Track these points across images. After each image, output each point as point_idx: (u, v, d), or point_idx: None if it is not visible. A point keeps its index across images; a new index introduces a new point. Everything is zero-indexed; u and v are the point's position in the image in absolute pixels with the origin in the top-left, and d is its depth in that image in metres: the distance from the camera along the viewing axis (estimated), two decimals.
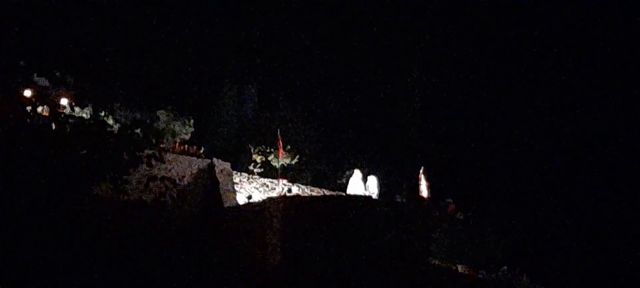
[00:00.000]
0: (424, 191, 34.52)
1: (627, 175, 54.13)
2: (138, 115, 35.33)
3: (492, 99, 58.03)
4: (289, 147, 39.12)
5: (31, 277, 17.57)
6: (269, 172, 37.91)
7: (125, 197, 23.57)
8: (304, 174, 40.77)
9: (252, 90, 48.47)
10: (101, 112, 32.35)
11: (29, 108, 19.27)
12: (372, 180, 32.72)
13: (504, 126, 56.98)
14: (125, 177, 20.44)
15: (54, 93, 34.36)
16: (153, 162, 21.01)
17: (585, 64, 59.47)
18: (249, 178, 36.50)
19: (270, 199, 27.78)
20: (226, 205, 31.58)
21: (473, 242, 38.23)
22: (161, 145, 30.97)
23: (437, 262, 32.55)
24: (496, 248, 39.06)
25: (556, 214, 51.49)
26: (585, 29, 60.12)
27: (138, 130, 20.98)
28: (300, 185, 37.31)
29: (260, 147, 38.64)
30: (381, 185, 33.53)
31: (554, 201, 52.69)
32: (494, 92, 58.29)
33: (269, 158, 38.22)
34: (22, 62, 27.19)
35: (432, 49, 58.85)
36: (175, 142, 36.12)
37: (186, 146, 35.79)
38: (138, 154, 20.38)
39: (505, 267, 35.31)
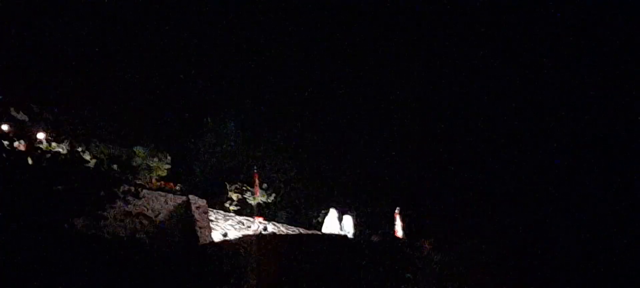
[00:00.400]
0: (398, 231, 34.72)
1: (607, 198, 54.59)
2: (115, 151, 35.27)
3: (466, 137, 58.42)
4: (265, 185, 39.18)
5: None
6: (245, 209, 37.89)
7: (101, 233, 23.57)
8: (281, 213, 40.78)
9: (230, 126, 48.46)
10: (78, 147, 32.28)
11: (5, 143, 19.29)
12: (348, 219, 32.88)
13: (478, 164, 57.29)
14: (101, 212, 20.46)
15: (31, 127, 34.27)
16: (129, 198, 21.08)
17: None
18: (225, 216, 36.44)
19: (246, 237, 27.83)
20: (202, 242, 31.53)
21: (449, 283, 38.31)
22: (137, 181, 30.94)
23: None
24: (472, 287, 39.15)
25: (534, 249, 51.68)
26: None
27: (115, 166, 21.03)
28: (276, 223, 37.32)
29: (236, 185, 38.66)
30: (356, 225, 33.67)
31: (531, 236, 52.91)
32: (466, 128, 58.71)
33: (245, 196, 38.23)
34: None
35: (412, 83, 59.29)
36: (151, 178, 36.06)
37: (163, 182, 35.73)
38: (114, 190, 20.42)
39: None
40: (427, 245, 39.01)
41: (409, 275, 33.86)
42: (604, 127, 56.31)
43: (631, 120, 55.64)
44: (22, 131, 29.72)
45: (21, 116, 32.08)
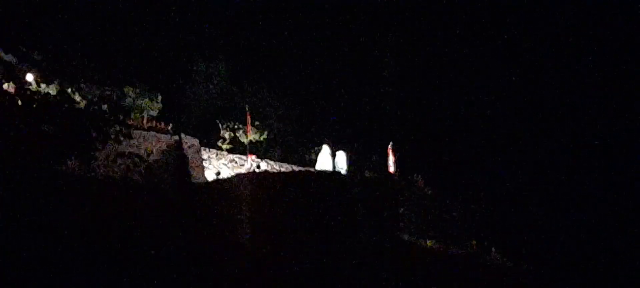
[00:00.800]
0: (391, 166, 34.73)
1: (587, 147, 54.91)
2: (105, 92, 35.06)
3: (463, 77, 58.36)
4: (257, 123, 39.07)
5: None
6: (237, 148, 37.84)
7: (93, 174, 23.46)
8: (273, 150, 40.74)
9: (221, 65, 48.15)
10: (68, 89, 32.03)
11: None
12: (341, 155, 32.87)
13: (473, 104, 57.35)
14: (93, 153, 20.32)
15: (20, 69, 33.98)
16: (121, 139, 20.92)
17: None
18: (217, 155, 36.43)
19: (238, 175, 27.80)
20: (195, 181, 31.53)
21: (442, 217, 38.49)
22: (129, 122, 30.77)
23: (407, 237, 32.71)
24: (464, 222, 39.38)
25: (522, 189, 51.98)
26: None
27: (105, 107, 20.85)
28: (268, 161, 37.33)
29: (228, 123, 38.54)
30: (350, 160, 33.67)
31: (520, 176, 53.20)
32: (464, 70, 58.62)
33: (238, 134, 38.14)
34: None
35: (404, 28, 59.03)
36: (143, 119, 35.87)
37: (154, 122, 35.56)
38: (106, 130, 20.27)
39: (474, 241, 35.63)
40: (419, 180, 39.12)
41: (402, 209, 34.00)
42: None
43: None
44: (11, 73, 29.47)
45: (9, 58, 31.77)
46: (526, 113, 57.84)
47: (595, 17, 60.40)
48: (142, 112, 36.78)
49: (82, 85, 35.45)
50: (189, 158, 33.01)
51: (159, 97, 38.39)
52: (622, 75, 57.46)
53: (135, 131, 29.15)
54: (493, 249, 35.20)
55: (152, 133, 33.09)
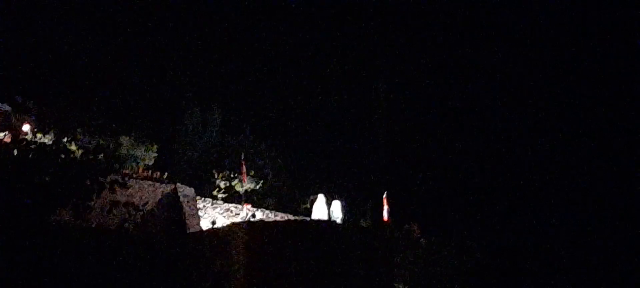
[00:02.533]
0: (386, 215, 34.72)
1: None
2: (101, 141, 35.13)
3: (454, 125, 58.60)
4: (252, 172, 39.11)
5: None
6: (233, 197, 37.83)
7: (88, 224, 23.45)
8: (268, 199, 40.71)
9: (216, 114, 48.28)
10: (64, 138, 32.12)
11: None
12: (336, 204, 32.81)
13: (465, 151, 57.49)
14: (88, 203, 20.35)
15: (15, 119, 34.08)
16: (116, 188, 20.97)
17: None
18: (213, 204, 36.39)
19: (234, 224, 27.75)
20: (190, 230, 31.46)
21: (435, 266, 38.42)
22: (124, 171, 30.81)
23: (401, 287, 32.67)
24: (458, 271, 39.28)
25: (517, 232, 51.96)
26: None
27: (101, 156, 20.93)
28: (264, 210, 37.28)
29: (224, 173, 38.58)
30: (345, 210, 33.63)
31: (513, 220, 53.20)
32: (456, 118, 58.86)
33: (233, 183, 38.17)
34: None
35: (396, 71, 59.37)
36: (138, 168, 35.92)
37: (150, 172, 35.59)
38: (101, 180, 20.32)
39: None
40: (415, 229, 39.11)
41: (397, 258, 33.95)
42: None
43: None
44: (7, 123, 29.55)
45: (5, 107, 31.86)
46: (519, 154, 57.99)
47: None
48: (137, 161, 36.85)
49: (78, 135, 35.53)
50: (185, 207, 32.95)
51: (155, 147, 38.50)
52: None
53: (130, 180, 29.17)
54: None
55: (148, 182, 33.09)
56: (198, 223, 32.91)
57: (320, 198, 32.50)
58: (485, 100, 60.15)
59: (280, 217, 37.02)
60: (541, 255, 50.05)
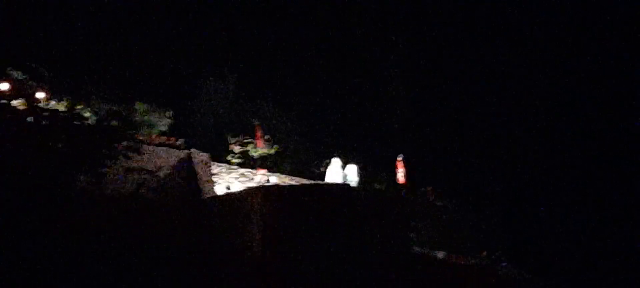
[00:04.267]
0: (401, 178, 34.69)
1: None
2: (115, 108, 35.11)
3: (471, 88, 58.23)
4: (267, 137, 39.05)
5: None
6: (247, 162, 37.82)
7: (103, 190, 23.47)
8: (283, 164, 40.66)
9: (231, 80, 48.19)
10: (78, 105, 32.10)
11: (4, 101, 19.22)
12: (351, 168, 32.81)
13: (483, 114, 57.21)
14: (102, 169, 20.39)
15: (30, 86, 34.06)
16: (130, 154, 21.00)
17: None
18: (227, 169, 36.40)
19: (249, 189, 27.76)
20: (205, 196, 31.50)
21: (452, 229, 38.40)
22: (139, 137, 30.79)
23: (417, 249, 32.61)
24: (476, 234, 39.27)
25: (535, 200, 51.84)
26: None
27: (115, 122, 20.95)
28: (279, 175, 37.28)
29: (238, 138, 38.53)
30: (360, 173, 33.61)
31: (532, 187, 53.05)
32: (473, 81, 58.50)
33: (248, 148, 38.12)
34: None
35: (412, 37, 58.98)
36: (153, 134, 35.92)
37: (164, 137, 35.58)
38: (115, 146, 20.35)
39: (484, 252, 35.52)
40: (429, 192, 39.07)
41: (412, 221, 33.93)
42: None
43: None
44: (21, 90, 29.55)
45: (18, 74, 31.86)
46: (541, 119, 57.64)
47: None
48: (152, 127, 36.87)
49: (92, 101, 35.54)
50: (199, 172, 32.96)
51: (169, 112, 38.50)
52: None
53: (145, 146, 29.12)
54: (505, 261, 35.12)
55: (162, 148, 33.06)
56: (213, 189, 32.93)
57: (335, 162, 32.50)
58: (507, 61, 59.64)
59: (295, 181, 37.02)
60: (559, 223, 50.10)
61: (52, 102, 32.21)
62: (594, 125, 56.55)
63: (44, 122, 19.53)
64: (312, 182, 36.75)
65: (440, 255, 33.08)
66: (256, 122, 37.29)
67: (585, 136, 56.04)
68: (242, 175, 36.47)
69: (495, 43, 60.14)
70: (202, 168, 33.35)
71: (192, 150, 34.14)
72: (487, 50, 59.70)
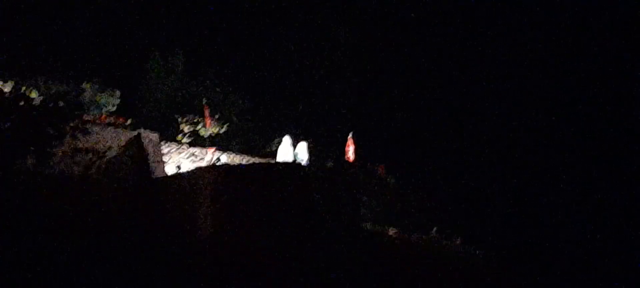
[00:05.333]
0: (351, 156, 34.85)
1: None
2: (62, 88, 34.65)
3: (423, 64, 58.54)
4: (217, 115, 38.90)
5: None
6: (197, 141, 37.67)
7: (51, 171, 23.22)
8: (233, 143, 40.59)
9: (179, 58, 47.78)
10: (24, 86, 31.62)
11: None
12: (302, 146, 32.88)
13: (434, 91, 57.57)
14: (49, 150, 20.15)
15: None
16: (78, 135, 20.78)
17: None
18: (177, 149, 36.24)
19: (199, 169, 27.71)
20: (155, 176, 31.34)
21: (404, 206, 38.71)
22: (86, 118, 30.44)
23: (368, 226, 32.84)
24: (427, 211, 39.63)
25: (484, 176, 52.42)
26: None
27: (61, 103, 20.69)
28: (229, 153, 37.22)
29: (188, 117, 38.33)
30: (311, 151, 33.68)
31: (483, 163, 53.62)
32: (425, 58, 58.80)
33: (197, 128, 37.96)
34: None
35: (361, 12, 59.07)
36: (101, 114, 35.56)
37: (113, 118, 35.25)
38: (62, 127, 20.12)
39: (435, 228, 35.89)
40: (380, 170, 39.30)
41: (364, 198, 34.16)
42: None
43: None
44: None
45: None
46: (490, 97, 58.19)
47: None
48: (100, 108, 36.49)
49: (38, 82, 35.02)
50: (149, 152, 32.74)
51: (117, 93, 38.13)
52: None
53: (93, 127, 28.82)
54: (457, 238, 35.53)
55: (111, 128, 32.73)
56: (163, 169, 32.77)
57: (286, 140, 32.55)
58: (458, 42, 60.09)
59: (245, 160, 37.00)
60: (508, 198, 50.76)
61: None
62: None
63: None
64: (262, 160, 36.77)
65: (392, 232, 33.37)
66: (204, 102, 37.08)
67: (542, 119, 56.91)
68: (193, 154, 36.35)
69: (446, 19, 60.60)
70: (151, 148, 33.12)
71: (141, 130, 33.87)
72: (438, 28, 60.13)
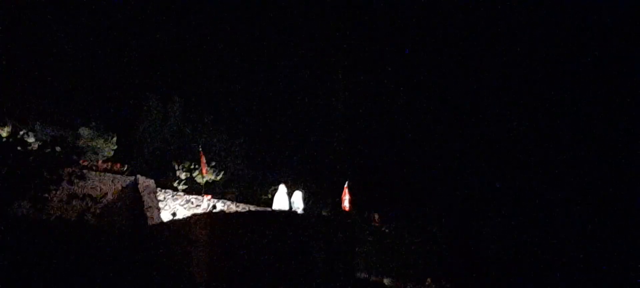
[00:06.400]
0: (347, 205, 34.86)
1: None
2: (59, 133, 34.73)
3: (416, 113, 58.79)
4: (213, 163, 38.99)
5: None
6: (193, 188, 37.69)
7: (47, 217, 23.18)
8: (229, 190, 40.59)
9: (176, 106, 47.91)
10: (21, 130, 31.69)
11: None
12: (298, 195, 32.88)
13: (429, 141, 57.77)
14: (46, 195, 20.13)
15: None
16: (75, 180, 20.77)
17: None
18: (173, 195, 36.23)
19: (194, 216, 27.68)
20: (150, 222, 31.30)
21: (399, 255, 38.64)
22: (83, 163, 30.51)
23: (363, 275, 32.79)
24: (422, 260, 39.55)
25: (477, 222, 52.35)
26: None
27: (58, 148, 20.71)
28: (225, 201, 37.21)
29: (184, 164, 38.39)
30: (306, 200, 33.69)
31: (476, 214, 53.57)
32: (417, 107, 59.07)
33: (194, 174, 38.02)
34: None
35: (356, 58, 59.47)
36: (98, 160, 35.63)
37: (109, 163, 35.31)
38: (59, 172, 20.12)
39: (429, 279, 35.81)
40: (376, 218, 39.30)
41: (358, 247, 34.10)
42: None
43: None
44: None
45: None
46: (480, 143, 58.36)
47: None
48: (96, 153, 36.54)
49: (36, 127, 35.09)
50: (145, 199, 32.77)
51: (114, 138, 38.20)
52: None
53: (90, 172, 28.92)
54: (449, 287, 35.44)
55: (108, 174, 32.85)
56: (159, 215, 32.77)
57: (282, 189, 32.54)
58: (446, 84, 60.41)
59: (241, 207, 36.99)
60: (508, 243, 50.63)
61: None
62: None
63: None
64: (258, 208, 36.76)
65: (387, 281, 33.29)
66: (200, 149, 37.17)
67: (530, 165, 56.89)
68: (188, 201, 36.33)
69: (440, 71, 60.95)
70: (147, 194, 33.17)
71: (138, 176, 33.95)
72: (426, 77, 60.48)
